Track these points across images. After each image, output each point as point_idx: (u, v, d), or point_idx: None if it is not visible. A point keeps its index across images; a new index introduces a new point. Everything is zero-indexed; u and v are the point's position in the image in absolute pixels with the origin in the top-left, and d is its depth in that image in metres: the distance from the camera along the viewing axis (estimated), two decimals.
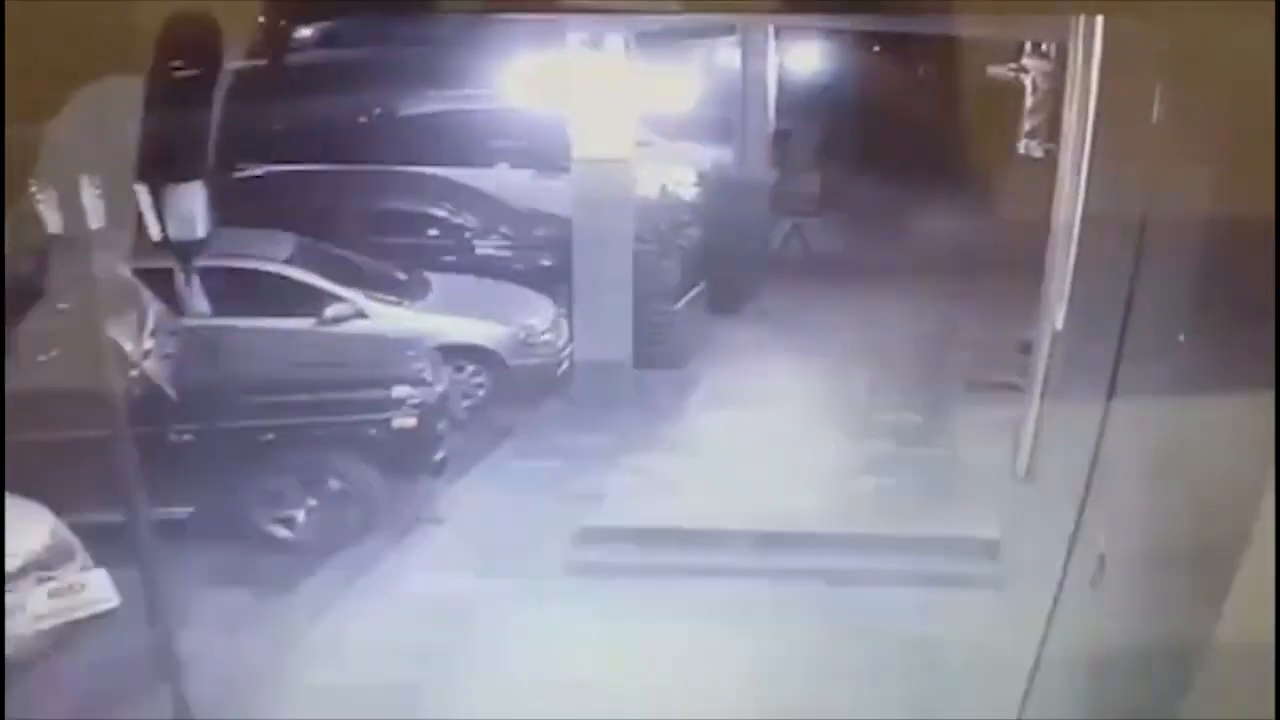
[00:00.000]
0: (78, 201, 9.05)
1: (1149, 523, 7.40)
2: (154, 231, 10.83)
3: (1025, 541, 10.31)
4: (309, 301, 14.59)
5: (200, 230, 10.96)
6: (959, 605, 11.26)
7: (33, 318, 11.62)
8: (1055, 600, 7.81)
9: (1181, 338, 7.35)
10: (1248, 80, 6.34)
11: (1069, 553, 7.83)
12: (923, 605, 11.34)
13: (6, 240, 9.10)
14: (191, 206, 10.78)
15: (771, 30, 19.13)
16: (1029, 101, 14.87)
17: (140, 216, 10.68)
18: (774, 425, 13.83)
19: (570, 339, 15.44)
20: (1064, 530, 7.92)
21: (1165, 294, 7.44)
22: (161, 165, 10.15)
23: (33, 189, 9.37)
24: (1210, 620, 5.70)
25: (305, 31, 22.27)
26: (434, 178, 17.58)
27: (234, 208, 13.77)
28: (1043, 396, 10.65)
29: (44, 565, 10.08)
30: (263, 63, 20.31)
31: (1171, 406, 7.34)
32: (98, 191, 9.20)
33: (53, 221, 9.17)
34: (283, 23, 21.25)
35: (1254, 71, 6.22)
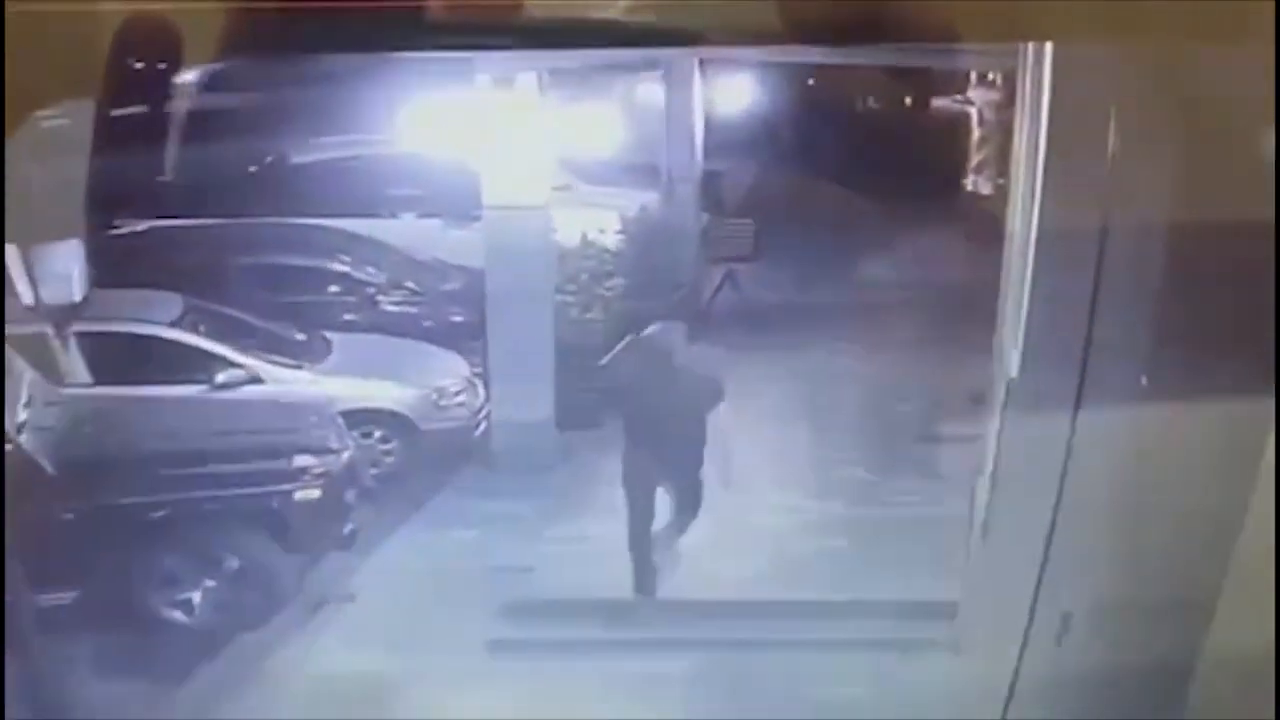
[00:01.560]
0: None
1: (1115, 575, 7.55)
2: (25, 295, 10.76)
3: (985, 602, 10.44)
4: (199, 366, 14.57)
5: (76, 292, 10.91)
6: (916, 671, 11.42)
7: None
8: (1019, 660, 7.94)
9: (1144, 380, 7.53)
10: (1205, 103, 6.54)
11: (1031, 611, 7.96)
12: (875, 673, 11.48)
13: None
14: (66, 267, 10.72)
15: (697, 63, 19.22)
16: (976, 134, 15.08)
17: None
18: (713, 486, 13.93)
19: (487, 400, 15.49)
20: (1026, 588, 8.05)
21: (1126, 335, 7.60)
22: (31, 223, 10.09)
23: None
24: (1184, 671, 5.85)
25: (188, 75, 22.19)
26: (333, 230, 17.58)
27: (113, 267, 13.82)
28: (999, 448, 10.77)
29: None
30: (142, 109, 20.22)
31: (1136, 454, 7.49)
32: None
33: None
34: (161, 66, 21.20)
35: (1210, 93, 6.43)
